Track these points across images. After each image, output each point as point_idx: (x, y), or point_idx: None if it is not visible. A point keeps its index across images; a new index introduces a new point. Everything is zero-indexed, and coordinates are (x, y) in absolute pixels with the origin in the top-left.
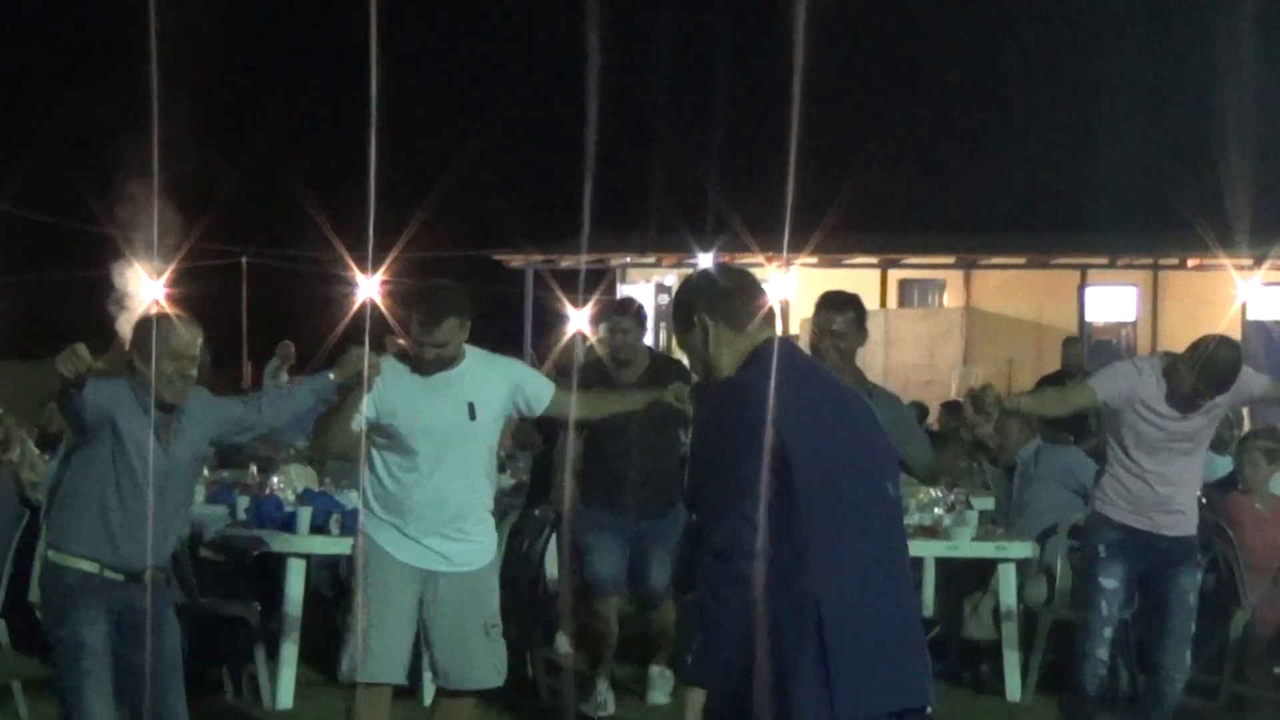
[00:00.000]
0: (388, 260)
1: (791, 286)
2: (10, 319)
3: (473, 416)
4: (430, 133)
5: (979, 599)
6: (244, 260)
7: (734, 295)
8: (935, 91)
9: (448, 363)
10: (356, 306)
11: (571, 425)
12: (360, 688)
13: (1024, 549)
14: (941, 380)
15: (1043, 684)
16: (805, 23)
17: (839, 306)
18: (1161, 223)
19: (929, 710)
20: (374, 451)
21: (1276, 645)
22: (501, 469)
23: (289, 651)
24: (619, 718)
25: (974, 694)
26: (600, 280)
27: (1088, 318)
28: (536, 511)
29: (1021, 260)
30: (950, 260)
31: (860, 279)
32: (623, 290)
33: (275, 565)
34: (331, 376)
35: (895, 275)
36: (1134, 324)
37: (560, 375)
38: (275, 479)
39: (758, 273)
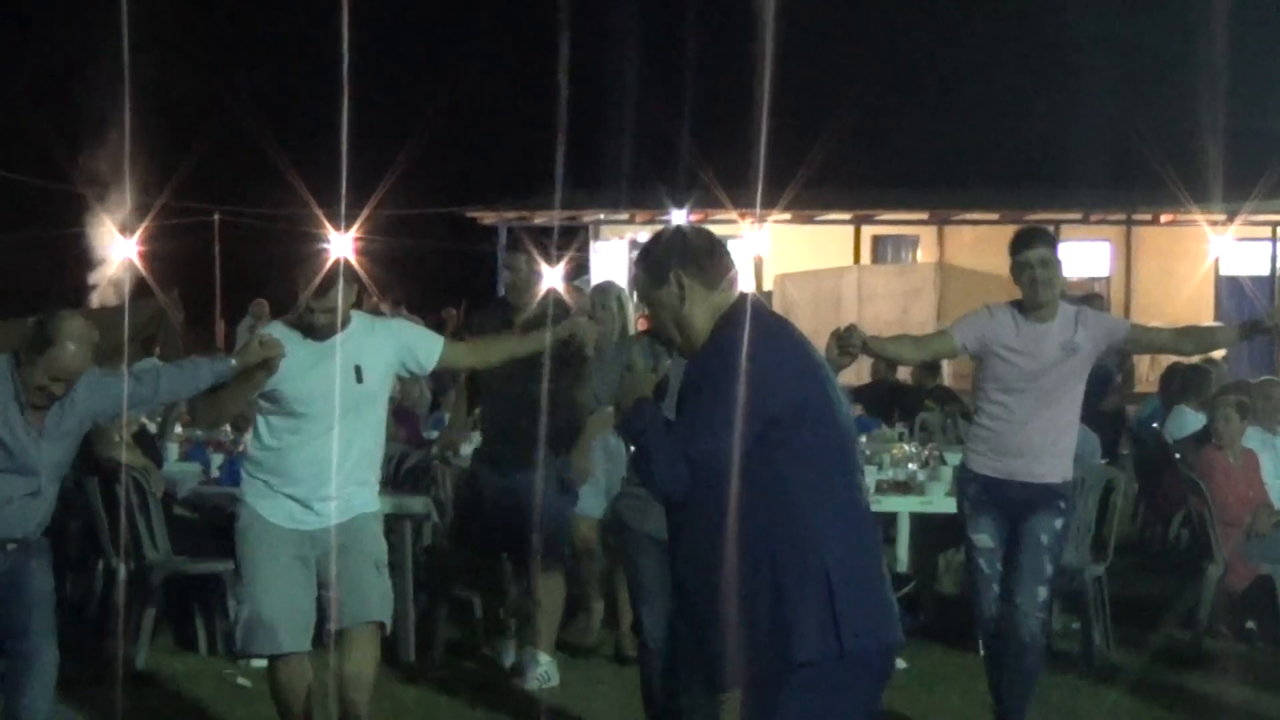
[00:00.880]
0: (361, 217)
1: (765, 243)
2: None
3: (360, 379)
4: (403, 89)
5: (953, 555)
6: (216, 218)
7: (709, 253)
8: (908, 47)
9: (334, 324)
10: (329, 264)
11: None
12: (271, 661)
13: None
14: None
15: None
16: None
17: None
18: (1134, 179)
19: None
20: (259, 417)
21: (1248, 599)
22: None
23: None
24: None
25: (947, 648)
26: (574, 237)
27: (1064, 274)
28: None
29: (995, 216)
30: (923, 216)
31: (833, 235)
32: (596, 247)
33: None
34: (233, 363)
35: (868, 231)
36: (1108, 279)
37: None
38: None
39: (731, 229)
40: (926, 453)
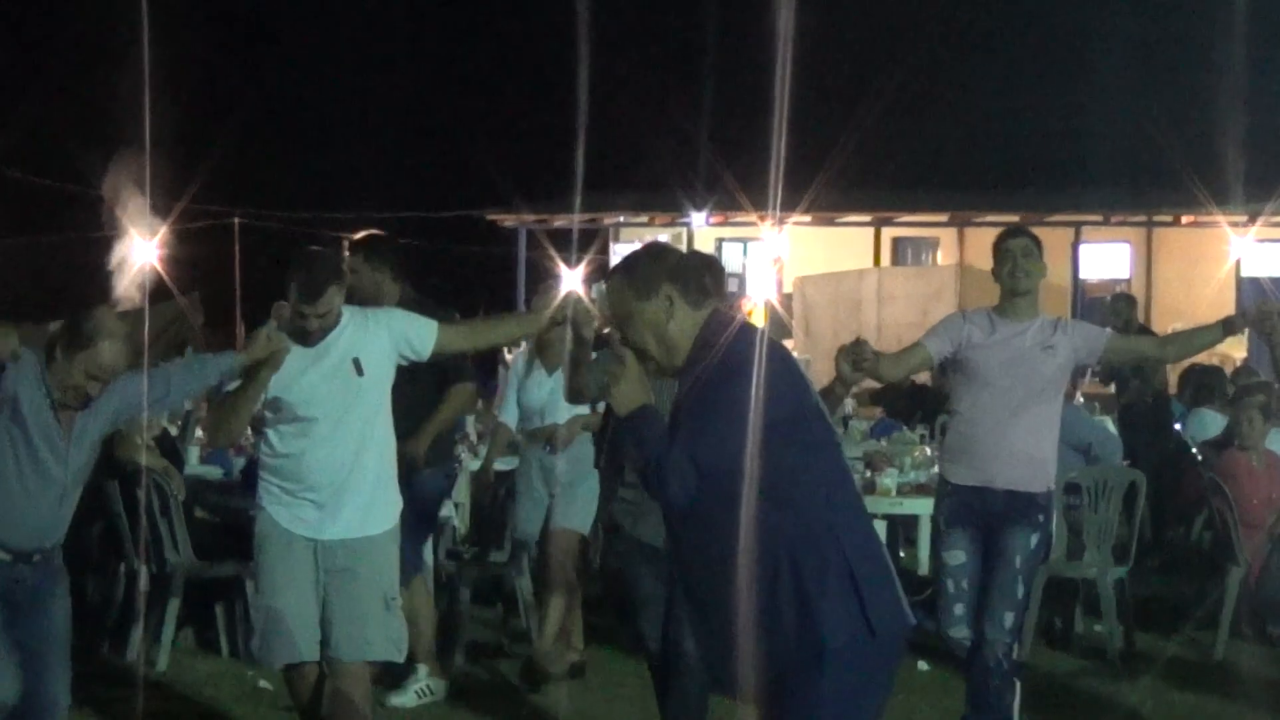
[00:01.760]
0: (378, 220)
1: (785, 245)
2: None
3: (360, 372)
4: (423, 92)
5: None
6: (236, 221)
7: (700, 272)
8: (928, 48)
9: (328, 323)
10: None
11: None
12: (288, 669)
13: None
14: None
15: (1039, 639)
16: None
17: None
18: (1155, 180)
19: None
20: (266, 429)
21: (1270, 602)
22: None
23: None
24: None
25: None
26: (593, 240)
27: (1081, 275)
28: None
29: (1015, 218)
30: (943, 218)
31: (853, 237)
32: (615, 249)
33: None
34: (240, 358)
35: (888, 233)
36: (1128, 281)
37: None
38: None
39: (750, 231)
40: (925, 453)
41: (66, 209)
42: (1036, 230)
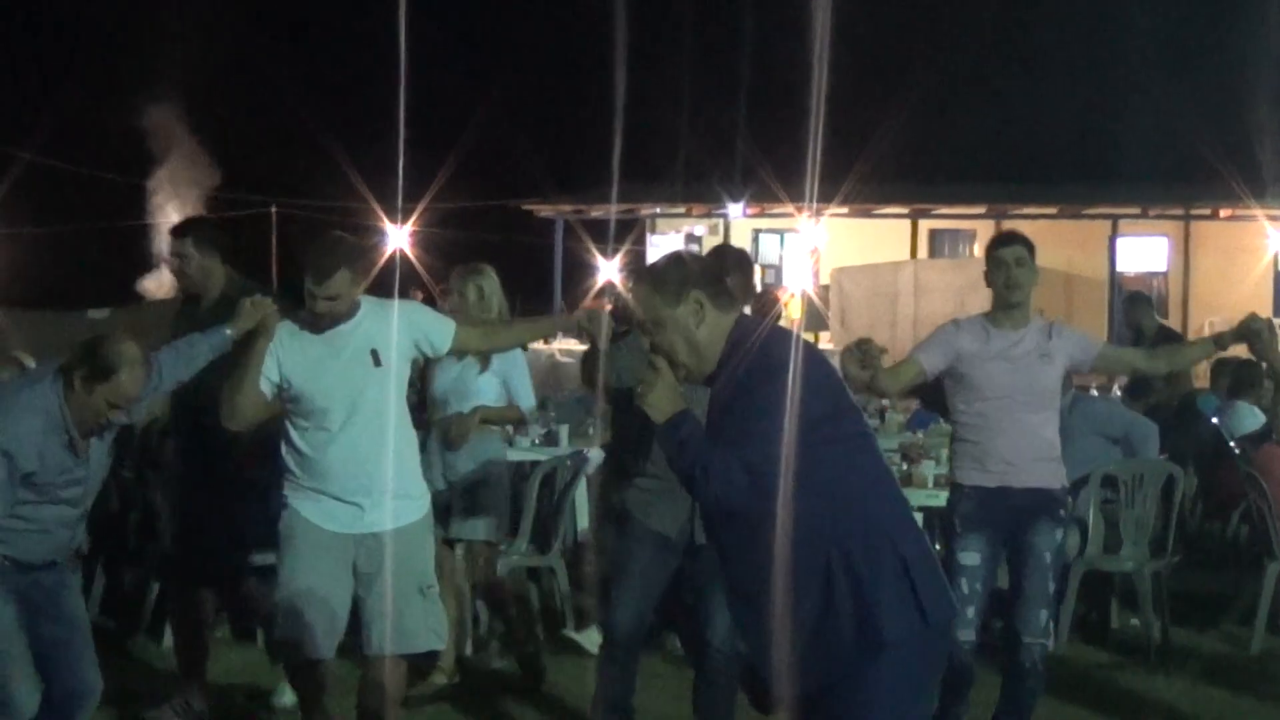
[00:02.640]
0: (417, 210)
1: (822, 236)
2: (40, 269)
3: (378, 363)
4: (461, 83)
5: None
6: (273, 210)
7: (722, 277)
8: (966, 41)
9: (342, 317)
10: (386, 256)
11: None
12: (301, 665)
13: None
14: None
15: (1075, 633)
16: None
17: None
18: (1193, 173)
19: None
20: (286, 423)
21: None
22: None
23: None
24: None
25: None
26: (630, 230)
27: (1118, 268)
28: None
29: (1053, 210)
30: (981, 210)
31: (890, 229)
32: (652, 240)
33: None
34: (228, 331)
35: (925, 225)
36: (1165, 274)
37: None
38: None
39: (788, 223)
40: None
41: (106, 197)
42: (1073, 223)
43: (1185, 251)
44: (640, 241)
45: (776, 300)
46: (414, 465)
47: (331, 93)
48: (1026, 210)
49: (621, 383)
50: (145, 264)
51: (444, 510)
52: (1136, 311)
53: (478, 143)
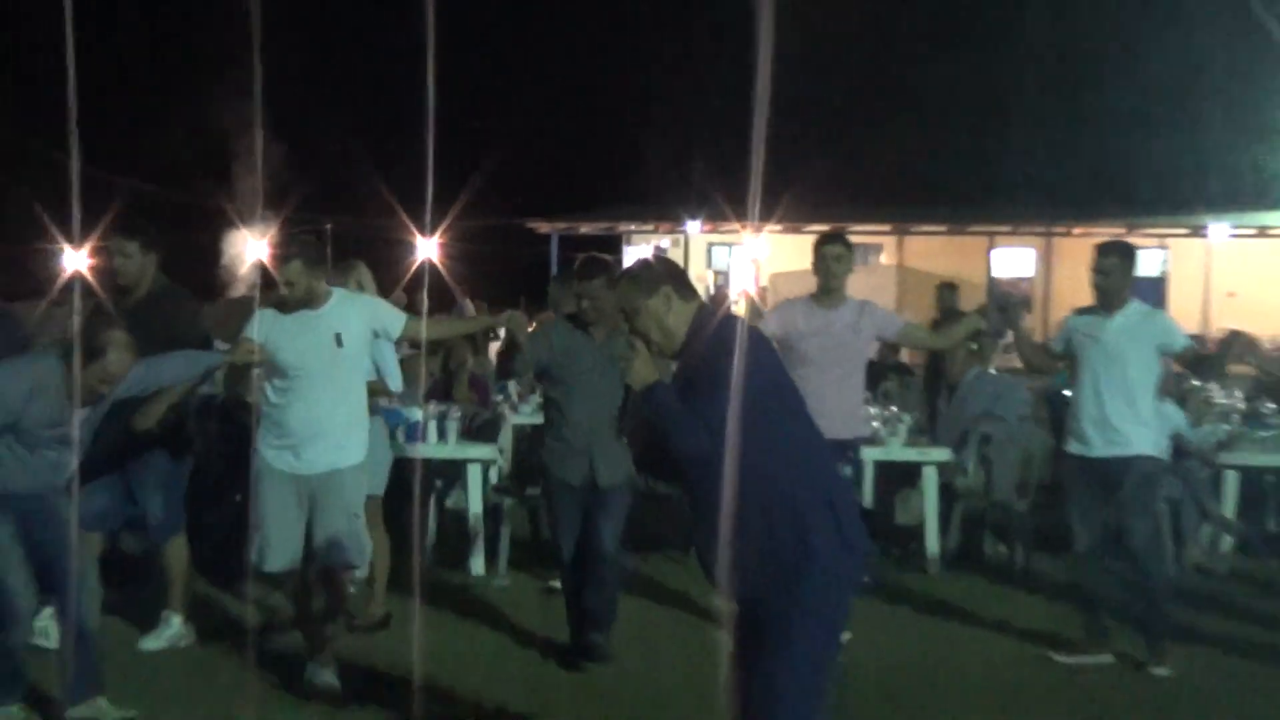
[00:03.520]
0: (442, 226)
1: (763, 248)
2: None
3: (340, 344)
4: (476, 122)
5: (907, 493)
6: (328, 228)
7: (684, 276)
8: (877, 88)
9: (307, 302)
10: (416, 265)
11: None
12: (275, 575)
13: (943, 454)
14: None
15: (954, 562)
16: (766, 36)
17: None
18: (1054, 198)
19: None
20: (264, 383)
21: None
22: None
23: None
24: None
25: (900, 569)
26: (609, 243)
27: (994, 274)
28: None
29: (943, 228)
30: (887, 229)
31: (807, 245)
32: (627, 251)
33: None
34: (222, 359)
35: None
36: (1032, 279)
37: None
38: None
39: (735, 237)
40: (887, 413)
41: (186, 217)
42: (958, 238)
43: (1048, 261)
44: (617, 252)
45: (726, 298)
46: (358, 425)
47: (375, 130)
48: (922, 228)
49: (550, 365)
50: (226, 271)
51: None
52: (950, 297)
53: (490, 171)
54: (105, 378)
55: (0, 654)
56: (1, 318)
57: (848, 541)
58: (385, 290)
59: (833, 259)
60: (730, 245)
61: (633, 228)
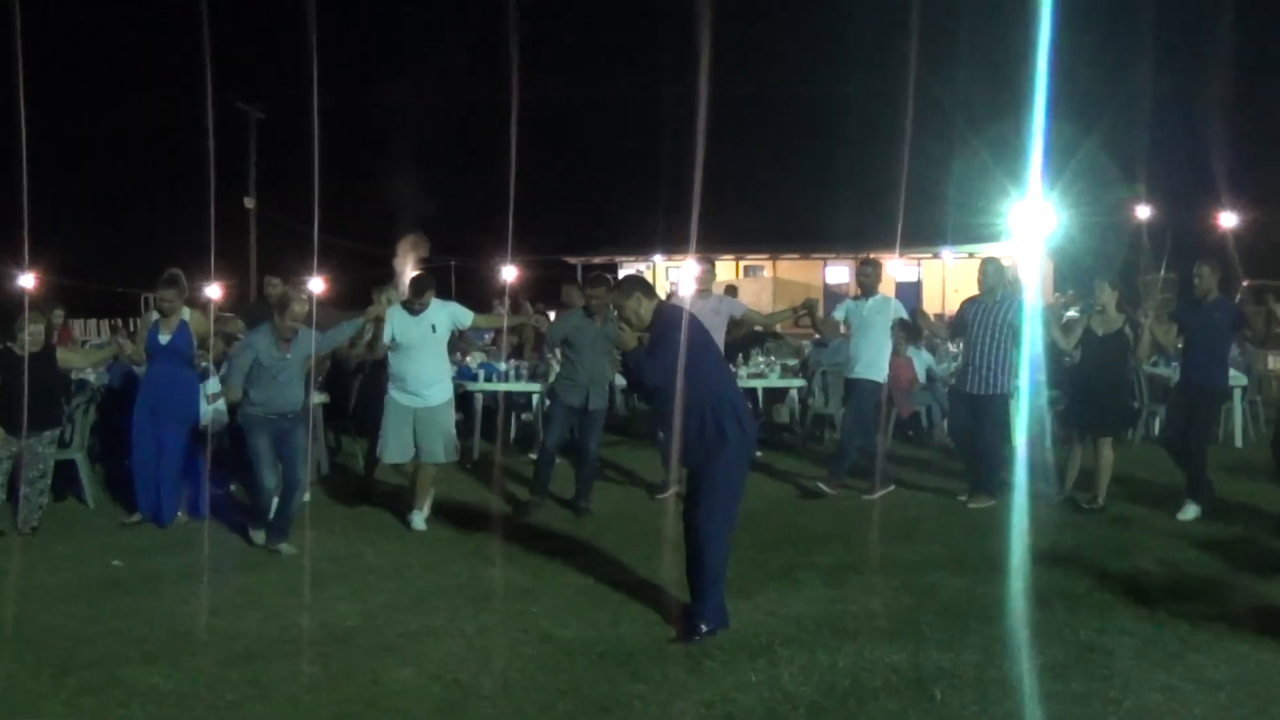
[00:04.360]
0: (508, 258)
1: (694, 269)
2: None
3: (434, 330)
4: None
5: (780, 406)
6: (452, 264)
7: (649, 285)
8: (754, 150)
9: (423, 309)
10: (502, 286)
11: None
12: (396, 466)
13: (800, 382)
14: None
15: (805, 443)
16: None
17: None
18: (861, 235)
19: None
20: (390, 353)
21: None
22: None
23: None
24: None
25: (773, 450)
26: (611, 268)
27: (828, 281)
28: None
29: (797, 255)
30: (765, 256)
31: (724, 266)
32: (621, 272)
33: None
34: (361, 320)
35: (742, 263)
36: (847, 284)
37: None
38: (465, 358)
39: (680, 262)
40: (769, 360)
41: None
42: (805, 260)
43: (857, 274)
44: (614, 272)
45: (677, 295)
46: (447, 377)
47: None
48: (786, 255)
49: (567, 337)
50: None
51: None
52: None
53: (539, 218)
54: (292, 322)
55: (258, 504)
56: (257, 309)
57: (744, 428)
58: (488, 300)
59: (706, 274)
60: (680, 267)
61: (623, 260)
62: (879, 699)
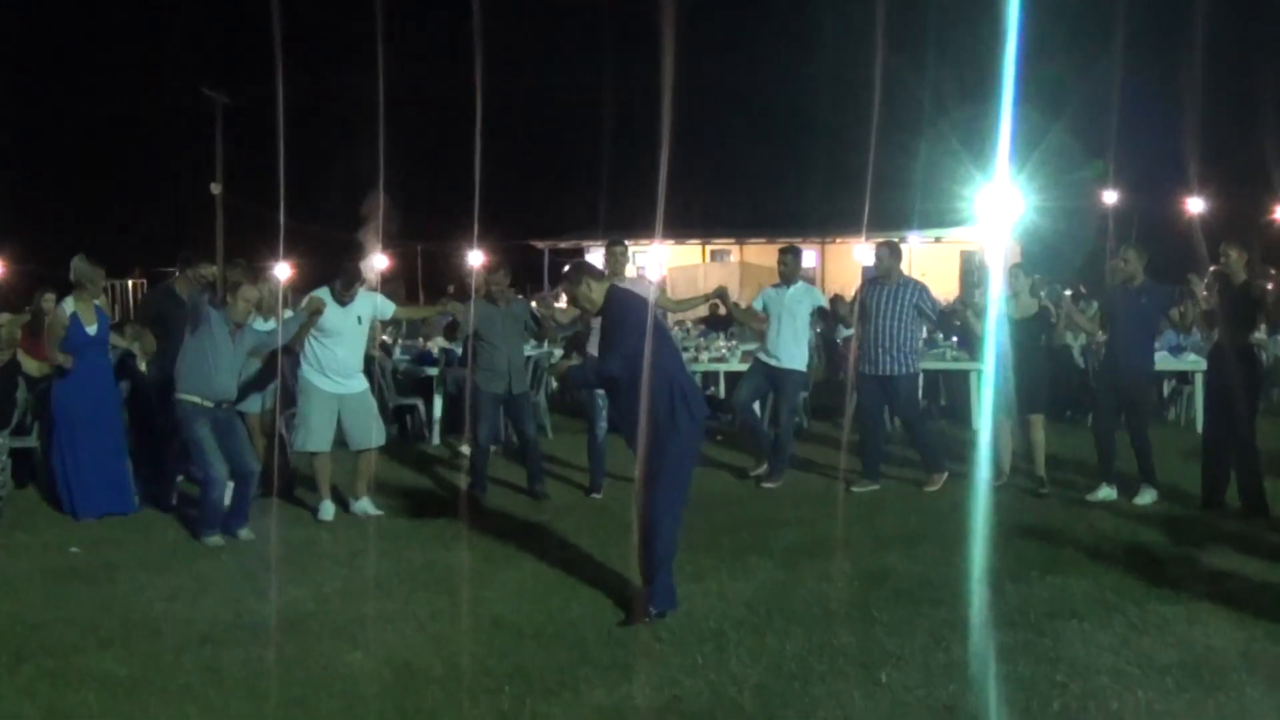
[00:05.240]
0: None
1: (665, 253)
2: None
3: (360, 322)
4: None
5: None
6: (419, 248)
7: (597, 270)
8: (728, 141)
9: (351, 299)
10: (469, 270)
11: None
12: (311, 454)
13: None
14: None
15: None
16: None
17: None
18: (824, 223)
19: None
20: (313, 337)
21: None
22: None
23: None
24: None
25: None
26: (577, 254)
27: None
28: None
29: (763, 240)
30: (731, 241)
31: (692, 251)
32: (589, 256)
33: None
34: (302, 317)
35: (709, 248)
36: (814, 269)
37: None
38: (427, 343)
39: (647, 246)
40: (733, 343)
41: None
42: (770, 245)
43: (823, 258)
44: (582, 256)
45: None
46: (360, 369)
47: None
48: (750, 241)
49: (475, 329)
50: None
51: None
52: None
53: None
54: (239, 316)
55: (207, 500)
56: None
57: (693, 415)
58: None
59: (620, 254)
60: (647, 250)
61: (589, 244)
62: (825, 682)
